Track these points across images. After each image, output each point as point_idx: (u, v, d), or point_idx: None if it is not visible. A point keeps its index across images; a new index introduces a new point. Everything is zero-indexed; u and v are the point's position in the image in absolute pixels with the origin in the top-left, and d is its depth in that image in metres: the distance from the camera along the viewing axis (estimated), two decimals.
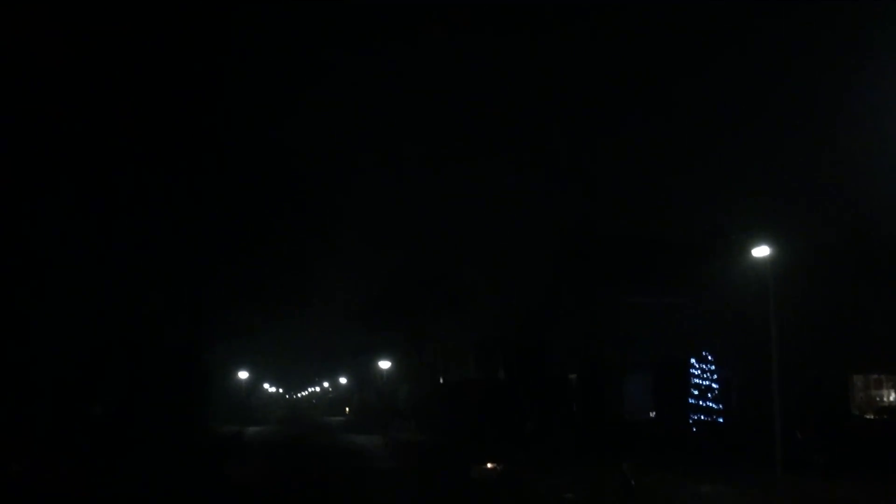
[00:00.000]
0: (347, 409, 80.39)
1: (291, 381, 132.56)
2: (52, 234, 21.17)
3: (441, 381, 52.54)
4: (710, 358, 30.22)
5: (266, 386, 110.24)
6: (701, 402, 30.04)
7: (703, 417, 29.81)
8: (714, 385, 30.14)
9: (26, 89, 18.54)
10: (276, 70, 23.90)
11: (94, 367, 21.24)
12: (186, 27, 20.78)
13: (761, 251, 18.59)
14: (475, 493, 19.41)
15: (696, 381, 30.14)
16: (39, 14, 17.75)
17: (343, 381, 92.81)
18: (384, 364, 56.29)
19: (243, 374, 61.74)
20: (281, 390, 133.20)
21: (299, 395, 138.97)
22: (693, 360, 30.11)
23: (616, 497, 17.12)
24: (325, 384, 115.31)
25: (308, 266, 33.36)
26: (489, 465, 21.15)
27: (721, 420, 29.80)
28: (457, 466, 23.28)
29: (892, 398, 27.36)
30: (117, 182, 23.03)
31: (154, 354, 25.53)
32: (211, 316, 35.60)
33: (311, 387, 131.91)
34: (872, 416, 27.04)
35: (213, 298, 33.79)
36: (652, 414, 32.71)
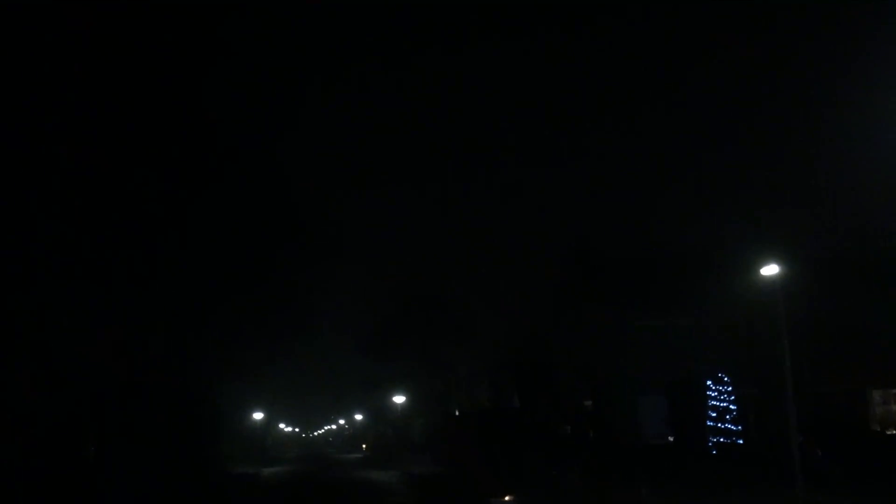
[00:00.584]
0: (364, 445, 79.76)
1: (307, 420, 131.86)
2: (55, 271, 21.11)
3: (456, 412, 52.06)
4: (725, 379, 29.80)
5: (282, 426, 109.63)
6: (720, 425, 29.56)
7: (722, 440, 29.31)
8: (732, 406, 29.69)
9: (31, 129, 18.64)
10: (270, 99, 24.03)
11: (94, 408, 21.10)
12: (185, 61, 20.91)
13: (770, 269, 18.30)
14: None
15: (714, 402, 29.69)
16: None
17: (358, 417, 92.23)
18: (398, 399, 55.89)
19: (258, 415, 61.40)
20: (297, 429, 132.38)
21: (316, 433, 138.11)
22: (709, 382, 29.68)
23: None
24: (342, 421, 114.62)
25: (312, 300, 33.32)
26: (507, 498, 20.80)
27: (741, 441, 29.30)
28: (472, 499, 22.90)
29: None
30: (121, 219, 23.03)
31: (159, 394, 25.35)
32: (220, 356, 35.46)
33: (327, 425, 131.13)
34: (894, 432, 26.55)
35: (220, 338, 33.68)
36: (670, 438, 32.19)
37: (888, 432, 26.66)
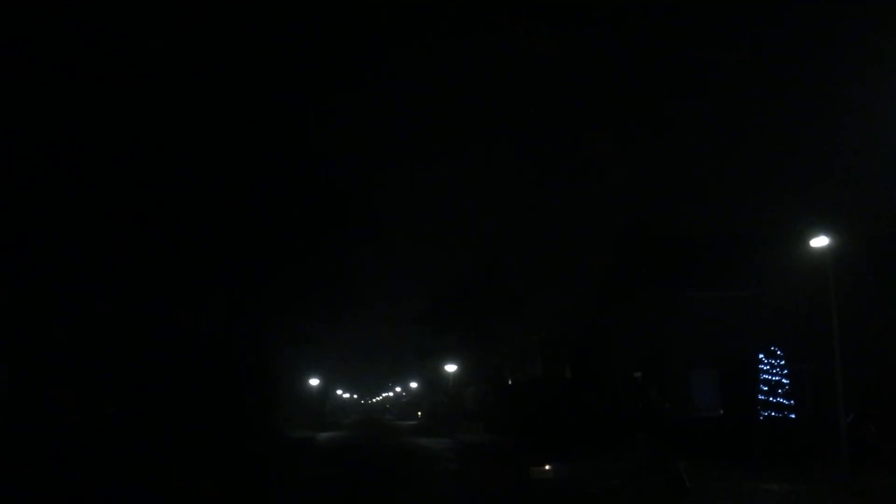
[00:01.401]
0: (419, 412, 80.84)
1: (366, 387, 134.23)
2: (119, 248, 21.95)
3: (509, 382, 52.38)
4: (779, 353, 29.31)
5: (340, 392, 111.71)
6: (771, 399, 29.14)
7: (773, 413, 28.92)
8: (784, 381, 29.21)
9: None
10: (311, 81, 24.36)
11: (149, 371, 21.93)
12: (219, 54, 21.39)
13: (820, 241, 17.93)
14: (530, 494, 19.26)
15: (766, 376, 29.27)
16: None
17: (414, 385, 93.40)
18: (450, 367, 56.43)
19: (314, 381, 62.73)
20: (356, 396, 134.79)
21: (373, 400, 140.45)
22: (762, 356, 29.25)
23: (667, 496, 16.75)
24: (398, 389, 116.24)
25: (367, 272, 33.85)
26: (546, 467, 20.98)
27: (793, 416, 28.85)
28: (516, 468, 23.17)
29: None
30: (184, 192, 23.83)
31: (219, 359, 26.19)
32: (278, 324, 36.35)
33: (384, 392, 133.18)
34: None
35: (278, 307, 34.50)
36: (721, 411, 31.88)
37: None
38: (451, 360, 56.64)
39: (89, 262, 20.45)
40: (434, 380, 70.54)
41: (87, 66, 18.85)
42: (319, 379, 63.92)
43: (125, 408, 21.83)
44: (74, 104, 19.41)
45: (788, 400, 29.10)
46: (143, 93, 20.31)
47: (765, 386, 29.16)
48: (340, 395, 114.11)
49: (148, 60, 19.75)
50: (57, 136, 19.99)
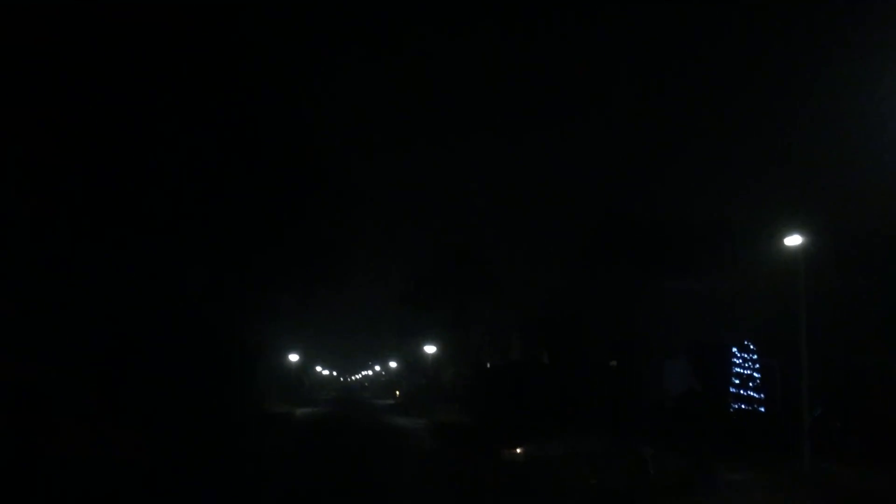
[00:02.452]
0: (398, 392, 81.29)
1: (345, 365, 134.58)
2: (100, 217, 21.92)
3: (487, 364, 52.80)
4: (752, 347, 29.84)
5: (319, 369, 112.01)
6: (742, 392, 29.69)
7: (743, 406, 29.47)
8: (756, 374, 29.76)
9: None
10: (301, 55, 24.25)
11: (131, 345, 21.98)
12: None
13: (793, 240, 18.28)
14: (501, 475, 19.64)
15: (738, 370, 29.80)
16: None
17: (393, 364, 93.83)
18: (429, 348, 56.81)
19: (294, 357, 62.93)
20: (335, 373, 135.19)
21: (353, 378, 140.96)
22: (735, 350, 29.76)
23: (632, 481, 17.18)
24: (377, 367, 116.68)
25: (348, 250, 33.90)
26: (518, 450, 21.35)
27: (763, 409, 29.40)
28: (489, 449, 23.53)
29: None
30: (160, 164, 23.76)
31: (196, 331, 26.20)
32: (257, 300, 36.34)
33: (363, 370, 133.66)
34: None
35: (256, 281, 34.50)
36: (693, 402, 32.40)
37: None
38: (431, 342, 57.01)
39: (62, 236, 20.39)
40: (413, 360, 70.95)
41: (68, 35, 18.72)
42: (298, 355, 64.14)
43: (99, 383, 21.85)
44: (64, 76, 19.29)
45: (759, 394, 29.67)
46: (125, 61, 20.14)
47: (736, 379, 29.70)
48: (320, 372, 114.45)
49: (126, 29, 19.58)
50: (36, 103, 19.82)
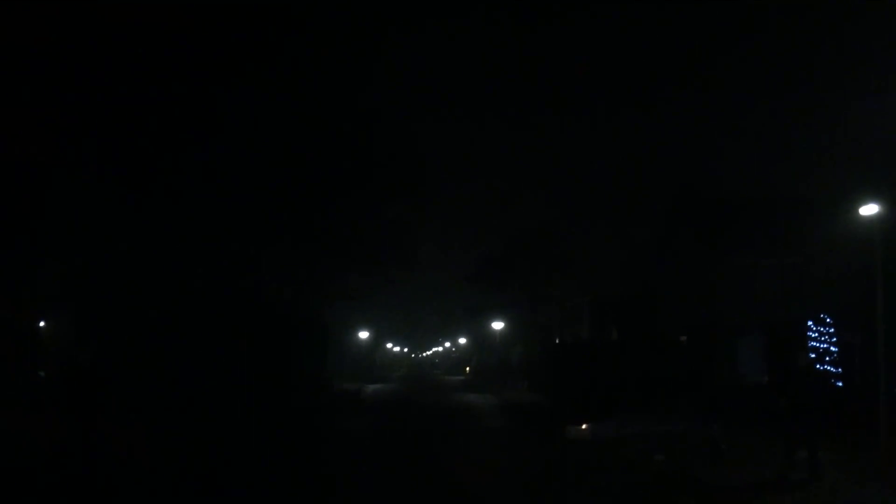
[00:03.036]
0: (468, 368, 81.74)
1: (416, 342, 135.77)
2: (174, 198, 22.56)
3: (556, 341, 52.64)
4: (828, 320, 28.95)
5: (390, 346, 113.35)
6: (818, 366, 28.88)
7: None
8: (833, 349, 28.89)
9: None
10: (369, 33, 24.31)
11: (205, 323, 22.64)
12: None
13: (869, 209, 17.62)
14: (564, 452, 19.60)
15: (814, 344, 28.97)
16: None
17: (463, 341, 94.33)
18: (497, 325, 56.91)
19: (364, 334, 63.85)
20: (406, 350, 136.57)
21: (423, 354, 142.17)
22: (810, 323, 28.93)
23: (705, 461, 16.94)
24: (448, 344, 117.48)
25: (418, 228, 34.20)
26: (583, 426, 21.21)
27: (840, 384, 28.57)
28: (554, 426, 23.48)
29: None
30: (232, 146, 24.30)
31: (266, 312, 26.88)
32: (330, 279, 36.99)
33: (434, 347, 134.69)
34: None
35: (331, 262, 35.09)
36: (766, 378, 31.71)
37: None
38: (500, 319, 57.08)
39: (136, 220, 21.03)
40: (483, 337, 71.18)
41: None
42: (369, 333, 65.04)
43: (175, 361, 22.53)
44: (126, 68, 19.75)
45: (836, 368, 28.81)
46: (194, 38, 20.45)
47: (812, 354, 28.88)
48: (391, 349, 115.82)
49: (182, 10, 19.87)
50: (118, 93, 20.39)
